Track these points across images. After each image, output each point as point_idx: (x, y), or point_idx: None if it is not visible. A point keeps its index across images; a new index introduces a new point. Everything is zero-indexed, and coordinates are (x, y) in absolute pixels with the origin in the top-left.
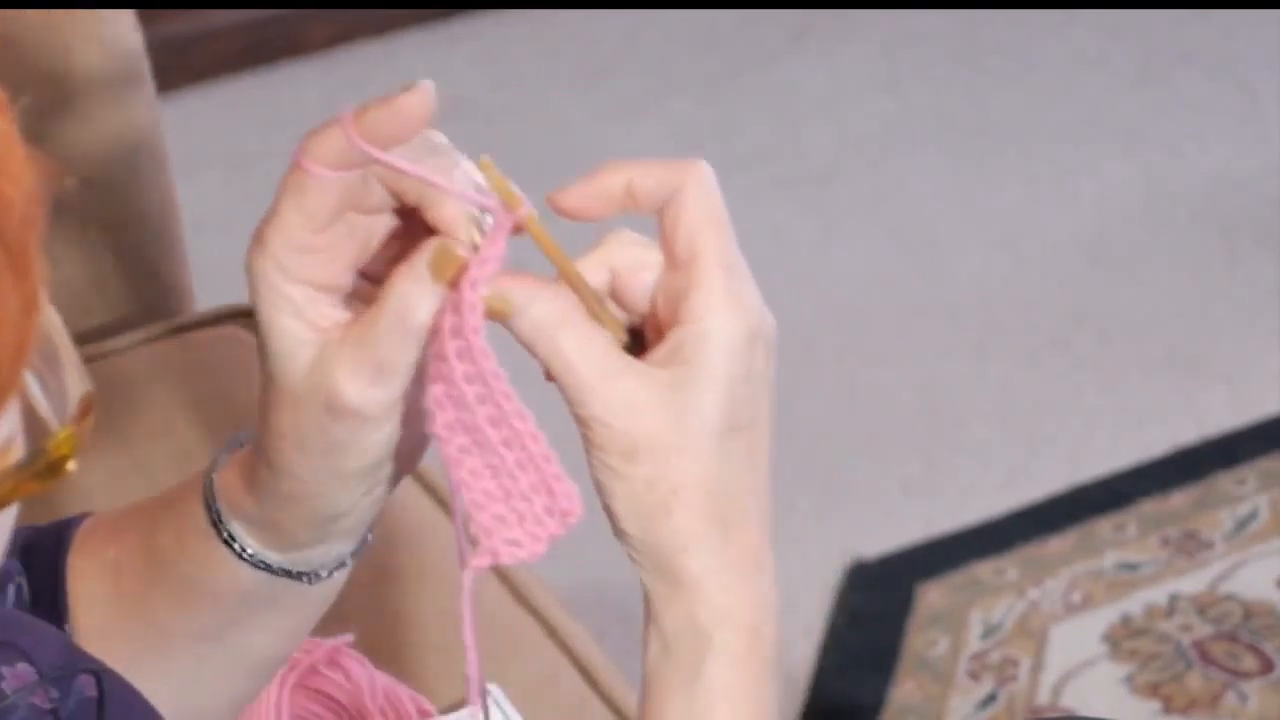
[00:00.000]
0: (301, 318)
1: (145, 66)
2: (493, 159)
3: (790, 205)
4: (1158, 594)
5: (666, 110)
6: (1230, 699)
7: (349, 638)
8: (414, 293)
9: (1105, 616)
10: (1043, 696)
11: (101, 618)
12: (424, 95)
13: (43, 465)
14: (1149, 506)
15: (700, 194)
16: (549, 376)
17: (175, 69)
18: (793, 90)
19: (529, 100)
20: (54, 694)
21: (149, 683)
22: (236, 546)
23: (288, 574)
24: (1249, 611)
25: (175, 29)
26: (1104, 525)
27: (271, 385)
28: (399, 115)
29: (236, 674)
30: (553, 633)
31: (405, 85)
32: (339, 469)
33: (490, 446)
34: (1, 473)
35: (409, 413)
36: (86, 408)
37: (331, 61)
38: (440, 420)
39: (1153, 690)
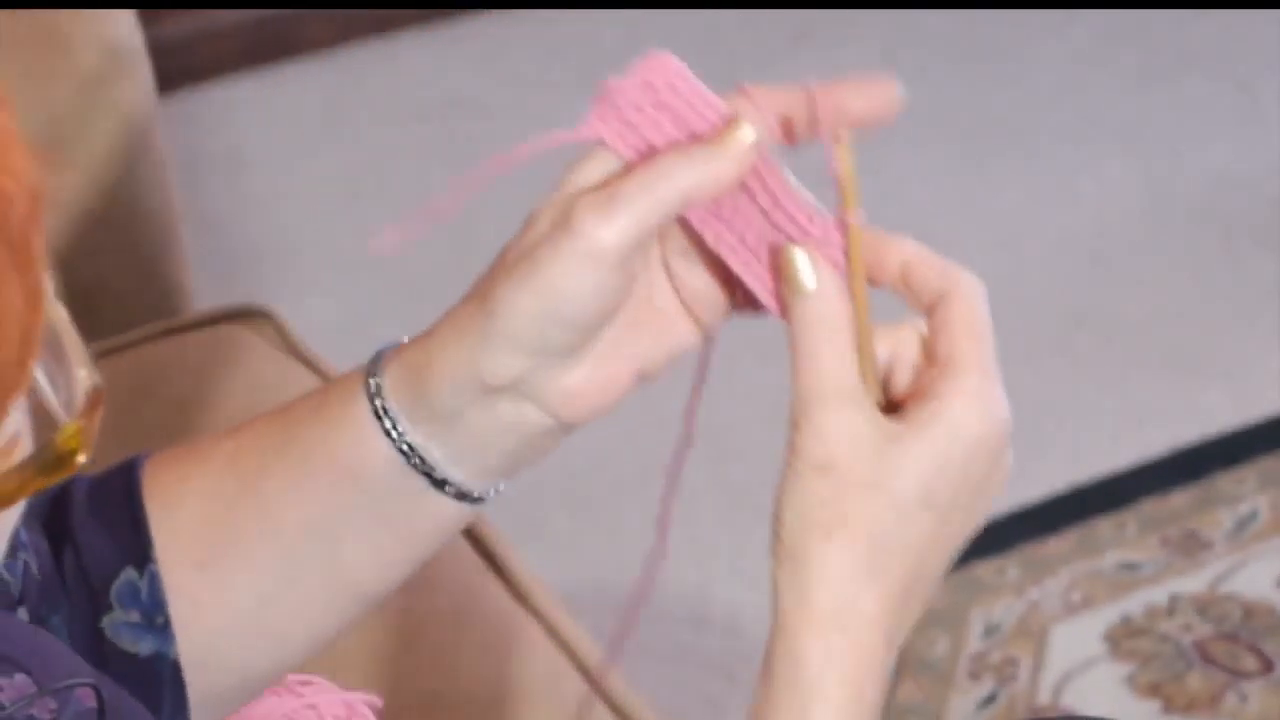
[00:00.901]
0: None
1: (145, 66)
2: (849, 142)
3: None
4: (1158, 594)
5: None
6: (1230, 699)
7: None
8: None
9: (1105, 616)
10: (1043, 696)
11: (199, 512)
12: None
13: (51, 459)
14: (1149, 506)
15: (968, 307)
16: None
17: (175, 69)
18: None
19: (529, 100)
20: (52, 705)
21: (236, 588)
22: (385, 422)
23: (419, 463)
24: (1249, 611)
25: (175, 29)
26: (1104, 525)
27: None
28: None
29: (324, 594)
30: (553, 633)
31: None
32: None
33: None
34: (10, 468)
35: (611, 352)
36: (95, 401)
37: (331, 61)
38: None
39: (1153, 690)
